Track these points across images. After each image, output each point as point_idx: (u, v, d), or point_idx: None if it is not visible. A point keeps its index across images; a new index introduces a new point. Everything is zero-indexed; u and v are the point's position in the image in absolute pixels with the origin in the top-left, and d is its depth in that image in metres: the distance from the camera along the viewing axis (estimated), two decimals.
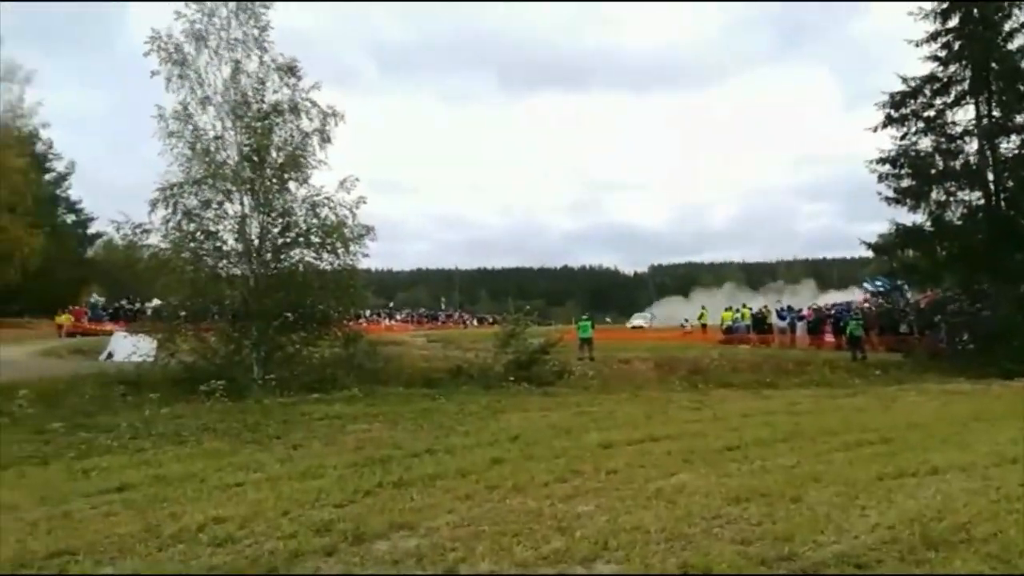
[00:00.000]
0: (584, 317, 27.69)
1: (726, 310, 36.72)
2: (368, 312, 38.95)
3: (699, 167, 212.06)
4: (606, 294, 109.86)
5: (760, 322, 32.90)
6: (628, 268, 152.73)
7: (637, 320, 43.53)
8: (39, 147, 41.20)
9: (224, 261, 19.65)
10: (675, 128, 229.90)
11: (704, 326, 38.22)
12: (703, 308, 39.82)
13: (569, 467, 8.25)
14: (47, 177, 42.28)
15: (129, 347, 20.80)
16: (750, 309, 34.85)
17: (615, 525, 5.84)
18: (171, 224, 18.53)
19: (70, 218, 45.38)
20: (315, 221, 19.92)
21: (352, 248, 20.02)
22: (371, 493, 7.10)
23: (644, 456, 8.99)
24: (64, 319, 36.33)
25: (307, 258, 20.02)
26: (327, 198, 19.87)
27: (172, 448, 10.31)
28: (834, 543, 5.32)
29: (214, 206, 19.02)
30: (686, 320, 41.72)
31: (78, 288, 42.74)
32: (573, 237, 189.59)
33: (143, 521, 6.21)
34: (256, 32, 19.51)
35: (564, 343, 23.78)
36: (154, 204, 18.34)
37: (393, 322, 56.80)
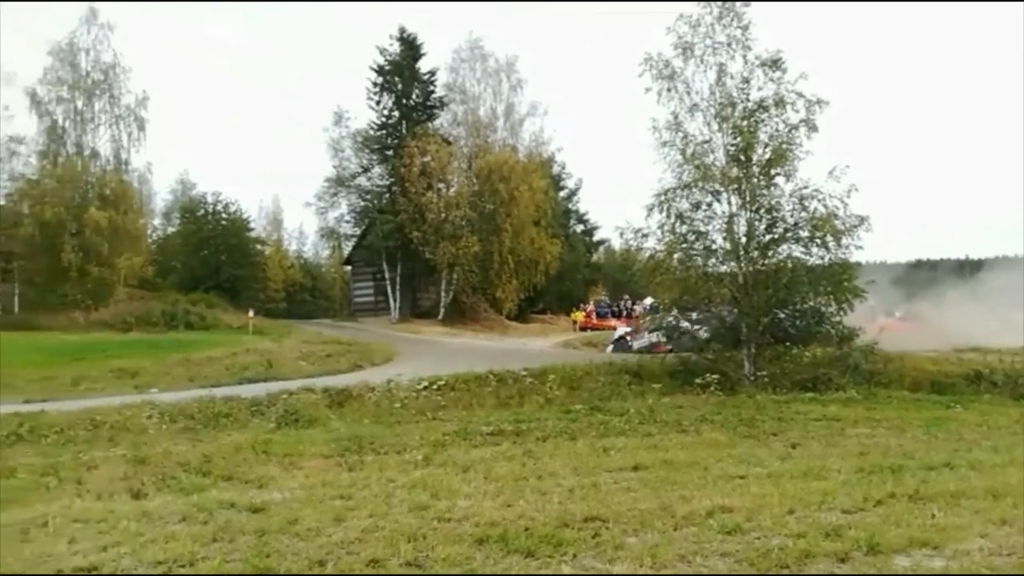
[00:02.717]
0: None
1: None
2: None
3: None
4: None
5: None
6: None
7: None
8: (555, 169, 48.15)
9: (713, 260, 20.39)
10: None
11: None
12: None
13: None
14: (561, 194, 49.15)
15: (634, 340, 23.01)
16: None
17: None
18: (665, 227, 19.94)
19: (579, 228, 51.91)
20: (803, 215, 19.38)
21: (844, 241, 19.00)
22: (883, 503, 6.62)
23: None
24: (578, 315, 41.90)
25: (795, 253, 19.60)
26: (815, 190, 19.19)
27: (675, 435, 11.12)
28: None
29: (703, 207, 19.88)
30: None
31: (587, 288, 48.84)
32: None
33: (658, 500, 6.80)
34: (739, 33, 19.83)
35: None
36: (650, 209, 19.92)
37: (891, 320, 51.52)
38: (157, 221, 49.97)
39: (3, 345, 23.22)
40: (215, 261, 42.44)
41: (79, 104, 35.63)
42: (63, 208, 33.50)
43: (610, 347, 26.76)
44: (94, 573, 5.07)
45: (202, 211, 45.29)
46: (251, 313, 31.76)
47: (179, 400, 14.23)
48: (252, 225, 49.02)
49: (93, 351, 21.72)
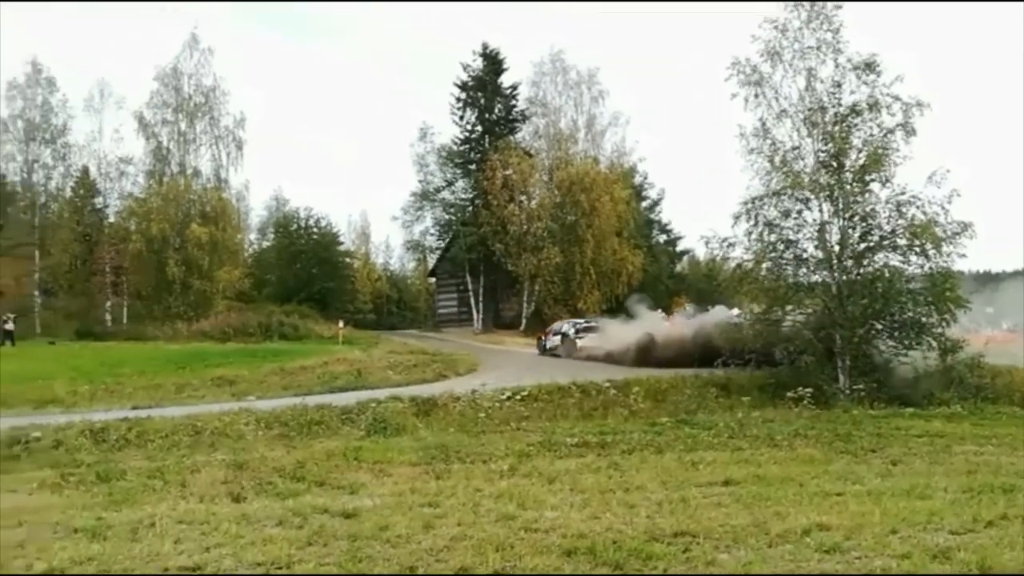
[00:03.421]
0: None
1: None
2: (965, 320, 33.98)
3: None
4: None
5: None
6: None
7: None
8: (637, 179, 47.71)
9: (803, 269, 19.78)
10: None
11: None
12: None
13: None
14: (643, 204, 48.65)
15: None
16: None
17: None
18: (753, 236, 19.48)
19: (662, 238, 51.22)
20: (900, 222, 18.64)
21: (945, 249, 18.15)
22: (994, 524, 6.26)
23: None
24: None
25: (892, 262, 18.86)
26: (913, 196, 18.43)
27: (767, 450, 10.78)
28: None
29: (793, 215, 19.34)
30: None
31: (670, 299, 48.07)
32: None
33: (750, 516, 6.62)
34: (829, 36, 19.29)
35: None
36: (737, 218, 19.53)
37: (998, 331, 48.46)
38: (253, 236, 52.18)
39: (114, 354, 24.70)
40: (307, 274, 43.98)
41: (182, 126, 37.75)
42: (168, 224, 35.54)
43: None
44: (198, 572, 5.30)
45: (295, 226, 47.11)
46: (341, 324, 32.73)
47: (274, 408, 14.76)
48: (341, 239, 50.59)
49: (195, 360, 22.78)
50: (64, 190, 39.79)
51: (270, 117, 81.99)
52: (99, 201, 40.14)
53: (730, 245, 20.00)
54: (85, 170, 39.63)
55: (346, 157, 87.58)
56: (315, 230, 46.71)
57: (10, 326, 29.39)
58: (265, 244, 51.72)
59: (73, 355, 24.62)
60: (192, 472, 9.36)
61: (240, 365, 21.83)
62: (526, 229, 38.16)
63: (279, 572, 5.33)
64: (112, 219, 39.89)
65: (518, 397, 16.52)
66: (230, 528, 6.41)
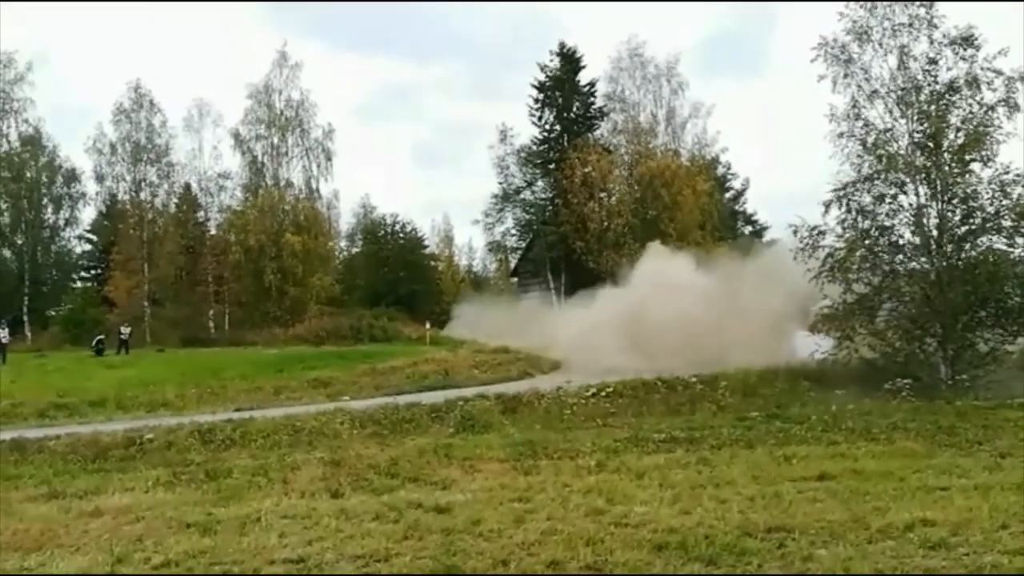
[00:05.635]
0: None
1: None
2: None
3: None
4: None
5: None
6: None
7: None
8: (720, 170, 46.65)
9: (900, 256, 18.91)
10: None
11: None
12: None
13: None
14: (727, 195, 47.57)
15: (811, 345, 21.69)
16: None
17: None
18: (846, 223, 18.73)
19: (747, 229, 49.93)
20: (1005, 202, 17.58)
21: None
22: None
23: None
24: None
25: (996, 245, 17.83)
26: (1019, 175, 17.38)
27: (864, 444, 10.42)
28: None
29: (888, 200, 18.50)
30: None
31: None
32: None
33: (848, 511, 6.44)
34: (922, 11, 18.37)
35: None
36: (827, 205, 18.77)
37: None
38: (343, 243, 53.72)
39: (217, 360, 25.97)
40: (394, 277, 45.06)
41: (275, 140, 39.39)
42: (264, 235, 37.13)
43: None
44: (302, 565, 5.57)
45: (382, 232, 48.32)
46: (428, 325, 33.39)
47: (367, 407, 15.23)
48: (426, 243, 51.56)
49: (291, 363, 23.71)
50: (169, 206, 41.92)
51: (356, 127, 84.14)
52: (201, 215, 42.34)
53: (820, 233, 19.27)
54: (187, 186, 41.82)
55: (428, 161, 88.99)
56: (401, 235, 47.79)
57: (125, 336, 31.30)
58: (354, 250, 53.14)
59: (180, 361, 26.01)
60: (293, 470, 9.79)
61: (334, 367, 22.60)
62: (606, 226, 37.91)
63: (378, 564, 5.54)
64: (213, 231, 42.01)
65: (603, 393, 16.50)
66: (330, 523, 6.70)
